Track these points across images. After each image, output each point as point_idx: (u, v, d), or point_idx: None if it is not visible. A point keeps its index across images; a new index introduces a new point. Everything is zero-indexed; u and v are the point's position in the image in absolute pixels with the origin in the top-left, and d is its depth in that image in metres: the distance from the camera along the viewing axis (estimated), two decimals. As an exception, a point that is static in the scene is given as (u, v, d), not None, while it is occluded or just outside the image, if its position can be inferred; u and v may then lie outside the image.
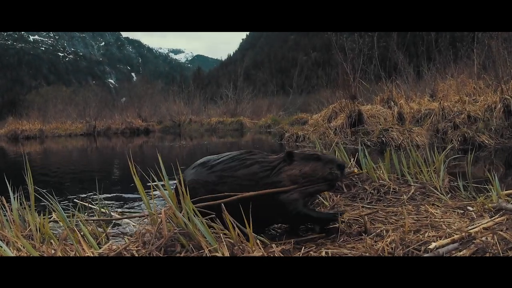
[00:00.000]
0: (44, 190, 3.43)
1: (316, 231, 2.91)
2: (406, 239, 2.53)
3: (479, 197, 3.43)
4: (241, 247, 2.39)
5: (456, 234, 2.50)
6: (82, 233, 2.68)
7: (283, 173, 2.86)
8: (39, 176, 8.16)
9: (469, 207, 3.21)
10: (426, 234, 2.60)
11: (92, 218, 3.49)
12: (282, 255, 2.40)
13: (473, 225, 2.69)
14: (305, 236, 2.84)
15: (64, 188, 6.28)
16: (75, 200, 4.07)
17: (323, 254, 2.47)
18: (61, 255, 2.36)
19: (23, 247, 2.43)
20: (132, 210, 4.51)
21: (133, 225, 3.46)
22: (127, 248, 2.48)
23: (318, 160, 2.87)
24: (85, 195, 4.00)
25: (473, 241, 2.39)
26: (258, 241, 2.46)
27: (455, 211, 3.14)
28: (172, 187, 2.91)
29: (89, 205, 4.06)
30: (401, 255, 2.36)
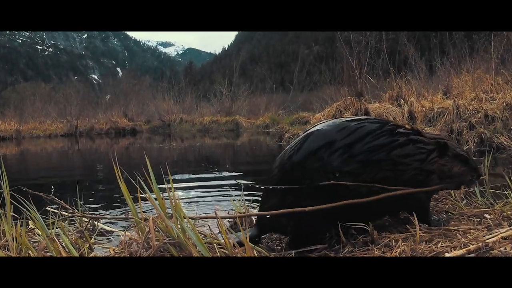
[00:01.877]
0: (21, 197, 3.42)
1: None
2: (417, 249, 2.53)
3: (497, 204, 3.42)
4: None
5: (472, 244, 2.50)
6: (63, 243, 2.67)
7: (436, 163, 2.81)
8: (16, 181, 8.14)
9: (486, 215, 3.20)
10: (439, 244, 2.59)
11: (74, 226, 3.48)
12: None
13: (491, 234, 2.67)
14: (306, 247, 2.84)
15: (43, 194, 6.27)
16: (55, 207, 4.06)
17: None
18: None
19: (-2, 259, 2.42)
20: (117, 218, 4.51)
21: (119, 235, 3.45)
22: (112, 259, 2.48)
23: (466, 164, 2.90)
24: (67, 202, 3.98)
25: (491, 251, 2.39)
26: (255, 252, 2.46)
27: (470, 219, 3.13)
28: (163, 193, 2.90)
29: (71, 213, 4.05)
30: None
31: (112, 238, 3.49)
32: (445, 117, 11.28)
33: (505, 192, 3.58)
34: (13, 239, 2.83)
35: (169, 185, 2.72)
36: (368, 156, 2.64)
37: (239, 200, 4.15)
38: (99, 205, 5.37)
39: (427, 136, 2.86)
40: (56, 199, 3.57)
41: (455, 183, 2.92)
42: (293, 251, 2.70)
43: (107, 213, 4.88)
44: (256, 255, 2.43)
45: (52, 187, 4.35)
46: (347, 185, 2.58)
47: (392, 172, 2.68)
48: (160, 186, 2.97)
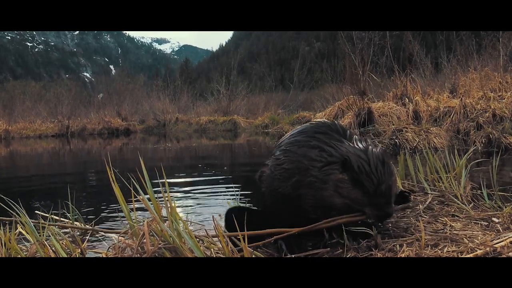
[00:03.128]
0: (10, 200, 3.42)
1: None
2: (423, 254, 2.53)
3: (506, 207, 3.41)
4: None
5: (480, 249, 2.50)
6: (53, 248, 2.67)
7: (331, 175, 2.76)
8: (4, 184, 8.14)
9: (494, 218, 3.19)
10: (445, 249, 2.59)
11: (65, 230, 3.47)
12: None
13: (499, 238, 2.67)
14: (308, 251, 2.84)
15: (33, 197, 6.26)
16: (46, 210, 4.06)
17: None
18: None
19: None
20: (111, 222, 4.50)
21: (112, 239, 3.45)
22: (105, 265, 2.48)
23: (366, 195, 2.69)
24: (58, 205, 3.98)
25: (499, 257, 2.39)
26: (253, 256, 2.46)
27: (478, 223, 3.13)
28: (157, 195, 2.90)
29: (62, 217, 4.05)
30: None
31: (105, 243, 3.48)
32: (451, 116, 11.29)
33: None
34: (1, 244, 2.83)
35: (164, 188, 2.72)
36: (287, 147, 2.95)
37: (235, 201, 4.16)
38: (92, 209, 5.36)
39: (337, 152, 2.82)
40: (46, 204, 3.57)
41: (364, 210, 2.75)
42: (293, 256, 2.71)
43: (101, 215, 4.87)
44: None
45: (42, 189, 4.35)
46: None
47: (294, 164, 2.87)
48: (155, 188, 2.97)
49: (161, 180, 2.96)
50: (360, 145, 2.82)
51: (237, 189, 5.52)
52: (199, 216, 4.57)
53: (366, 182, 2.62)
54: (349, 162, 2.67)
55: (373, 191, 2.62)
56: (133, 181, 2.81)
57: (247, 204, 4.49)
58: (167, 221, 2.60)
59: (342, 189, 2.71)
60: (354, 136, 2.97)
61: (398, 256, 2.53)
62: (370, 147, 2.76)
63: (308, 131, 3.04)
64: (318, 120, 3.19)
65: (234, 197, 4.94)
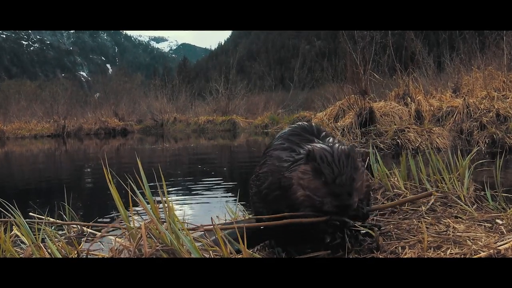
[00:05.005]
0: (5, 200, 3.42)
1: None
2: (425, 257, 2.53)
3: (510, 208, 3.42)
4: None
5: (483, 251, 2.50)
6: (49, 250, 2.67)
7: (296, 171, 2.75)
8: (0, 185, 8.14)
9: (498, 220, 3.19)
10: (448, 252, 2.59)
11: (61, 232, 3.47)
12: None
13: (503, 240, 2.66)
14: (308, 254, 2.84)
15: (29, 198, 6.26)
16: (41, 212, 4.06)
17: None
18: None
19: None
20: (108, 223, 4.50)
21: (109, 241, 3.44)
22: (102, 267, 2.48)
23: (325, 185, 2.62)
24: (54, 207, 3.98)
25: (503, 258, 2.39)
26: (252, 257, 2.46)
27: (481, 225, 3.12)
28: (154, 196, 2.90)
29: (58, 218, 4.05)
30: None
31: (102, 245, 3.48)
32: (454, 116, 11.29)
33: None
34: (-4, 246, 2.83)
35: (161, 189, 2.72)
36: (267, 151, 3.07)
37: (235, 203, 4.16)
38: (88, 210, 5.37)
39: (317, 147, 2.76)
40: (41, 205, 3.56)
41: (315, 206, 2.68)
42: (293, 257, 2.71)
43: (98, 217, 4.87)
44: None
45: (38, 190, 4.34)
46: None
47: (269, 167, 2.93)
48: (153, 189, 2.96)
49: (158, 181, 2.96)
50: (329, 142, 2.83)
51: (237, 190, 5.52)
52: (197, 217, 4.57)
53: (326, 171, 2.58)
54: (312, 152, 2.67)
55: (332, 180, 2.57)
56: (131, 182, 2.80)
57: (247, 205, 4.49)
58: (164, 223, 2.59)
59: (303, 180, 2.69)
60: (329, 137, 2.99)
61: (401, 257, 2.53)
62: (338, 144, 2.76)
63: (284, 135, 3.11)
64: (298, 123, 3.21)
65: (234, 199, 4.94)
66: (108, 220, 4.75)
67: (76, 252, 3.04)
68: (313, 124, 3.15)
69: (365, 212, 2.80)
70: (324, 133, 3.05)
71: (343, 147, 2.69)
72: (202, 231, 2.88)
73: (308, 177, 2.67)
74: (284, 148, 2.96)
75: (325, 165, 2.60)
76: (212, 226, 2.68)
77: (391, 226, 3.19)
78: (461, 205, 3.59)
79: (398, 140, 10.81)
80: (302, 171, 2.70)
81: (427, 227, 3.04)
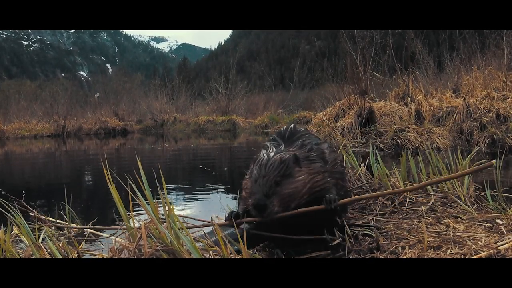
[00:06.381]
0: (5, 200, 3.41)
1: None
2: (425, 257, 2.53)
3: (509, 208, 3.42)
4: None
5: (483, 251, 2.50)
6: (49, 250, 2.67)
7: (296, 173, 2.83)
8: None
9: (498, 220, 3.19)
10: (448, 252, 2.59)
11: (61, 232, 3.47)
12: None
13: (503, 240, 2.67)
14: (307, 254, 2.84)
15: (29, 198, 6.26)
16: (41, 212, 4.05)
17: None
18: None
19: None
20: (108, 223, 4.50)
21: (109, 241, 3.44)
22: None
23: (252, 183, 2.79)
24: (54, 207, 3.99)
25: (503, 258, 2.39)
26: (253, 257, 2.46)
27: (481, 225, 3.12)
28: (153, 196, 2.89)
29: (58, 218, 4.04)
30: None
31: (102, 245, 3.48)
32: (454, 116, 11.30)
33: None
34: (-3, 246, 2.83)
35: (161, 189, 2.72)
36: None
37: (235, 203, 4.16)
38: (88, 210, 5.36)
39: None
40: (42, 205, 3.56)
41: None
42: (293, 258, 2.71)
43: (98, 217, 4.87)
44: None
45: (38, 190, 4.33)
46: None
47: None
48: (152, 189, 2.96)
49: (158, 181, 2.96)
50: (282, 147, 3.03)
51: (237, 190, 5.52)
52: (197, 214, 4.57)
53: (255, 172, 2.78)
54: (257, 156, 2.89)
55: (255, 180, 2.73)
56: (131, 182, 2.81)
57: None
58: (164, 223, 2.59)
59: (246, 181, 2.98)
60: (298, 142, 3.09)
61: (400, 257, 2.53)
62: (284, 152, 2.90)
63: (268, 139, 3.27)
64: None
65: (234, 199, 4.94)
66: (108, 219, 4.75)
67: (76, 252, 3.04)
68: (290, 127, 3.28)
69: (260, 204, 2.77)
70: (298, 135, 3.18)
71: (283, 154, 2.83)
72: (200, 226, 2.91)
73: (247, 179, 2.94)
74: (259, 153, 3.08)
75: (256, 167, 2.79)
76: (211, 224, 2.69)
77: (391, 226, 3.19)
78: (461, 205, 3.59)
79: (398, 140, 10.81)
80: (249, 173, 2.96)
81: (427, 227, 3.04)
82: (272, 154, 2.83)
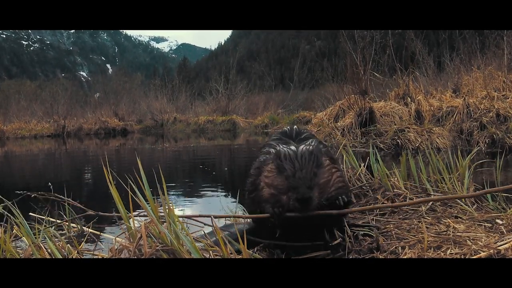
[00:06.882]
0: (5, 200, 3.41)
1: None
2: (425, 257, 2.53)
3: (509, 208, 3.41)
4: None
5: (483, 251, 2.50)
6: (49, 250, 2.67)
7: (264, 172, 2.88)
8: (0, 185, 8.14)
9: (498, 220, 3.19)
10: (448, 252, 2.59)
11: (61, 232, 3.47)
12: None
13: (503, 240, 2.67)
14: (307, 254, 2.84)
15: (29, 198, 6.26)
16: (41, 212, 4.05)
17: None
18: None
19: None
20: (108, 223, 4.50)
21: (109, 241, 3.44)
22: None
23: (286, 178, 2.70)
24: (54, 207, 3.98)
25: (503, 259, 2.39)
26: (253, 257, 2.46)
27: (481, 225, 3.12)
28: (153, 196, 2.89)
29: (58, 218, 4.04)
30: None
31: (102, 245, 3.48)
32: (454, 116, 11.30)
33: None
34: (-3, 246, 2.83)
35: (161, 189, 2.72)
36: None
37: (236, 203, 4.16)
38: (88, 210, 5.35)
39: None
40: (42, 205, 3.55)
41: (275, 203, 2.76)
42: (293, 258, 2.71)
43: (98, 217, 4.86)
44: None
45: (37, 190, 4.32)
46: None
47: (253, 174, 3.04)
48: (152, 189, 2.96)
49: (158, 181, 2.95)
50: (303, 144, 2.90)
51: (237, 190, 5.52)
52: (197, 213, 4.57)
53: (287, 166, 2.67)
54: (277, 152, 2.78)
55: (293, 174, 2.64)
56: (131, 182, 2.80)
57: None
58: (164, 223, 2.59)
59: (268, 178, 2.81)
60: (307, 140, 3.07)
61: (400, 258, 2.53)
62: (307, 145, 2.83)
63: (269, 139, 3.28)
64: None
65: (234, 199, 4.94)
66: (108, 220, 4.74)
67: (76, 252, 3.04)
68: (294, 127, 3.28)
69: (341, 204, 2.81)
70: (304, 135, 3.18)
71: (308, 147, 2.77)
72: (198, 220, 2.93)
73: (272, 175, 2.78)
74: (263, 152, 3.12)
75: (287, 161, 2.70)
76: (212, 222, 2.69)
77: (391, 226, 3.19)
78: (461, 205, 3.59)
79: (398, 140, 10.81)
80: (268, 170, 2.83)
81: (427, 227, 3.04)
82: (293, 147, 2.77)
